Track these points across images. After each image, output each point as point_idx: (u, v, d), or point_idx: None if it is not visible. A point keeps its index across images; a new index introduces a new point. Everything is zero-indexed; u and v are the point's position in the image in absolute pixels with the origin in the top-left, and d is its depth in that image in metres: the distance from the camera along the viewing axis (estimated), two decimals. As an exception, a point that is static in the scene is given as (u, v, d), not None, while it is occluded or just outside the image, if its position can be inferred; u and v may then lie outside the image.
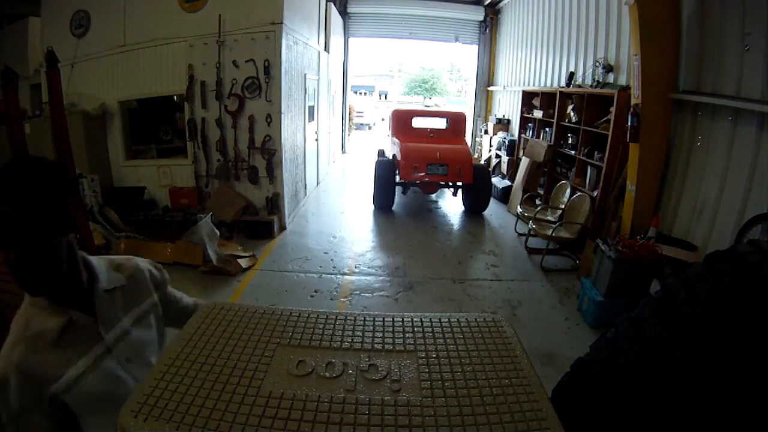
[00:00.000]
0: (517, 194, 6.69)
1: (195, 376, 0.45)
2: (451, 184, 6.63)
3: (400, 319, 0.56)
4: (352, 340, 0.51)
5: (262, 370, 0.46)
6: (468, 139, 8.77)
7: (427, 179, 6.24)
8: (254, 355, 0.48)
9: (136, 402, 0.42)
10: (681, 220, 3.82)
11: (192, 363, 0.47)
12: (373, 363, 0.47)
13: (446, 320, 0.56)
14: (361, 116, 19.35)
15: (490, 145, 9.17)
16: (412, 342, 0.52)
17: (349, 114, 12.83)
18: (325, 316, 0.56)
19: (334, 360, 0.47)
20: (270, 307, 0.59)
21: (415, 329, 0.54)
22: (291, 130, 5.66)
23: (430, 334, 0.53)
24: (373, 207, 6.68)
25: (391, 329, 0.54)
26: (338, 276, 4.37)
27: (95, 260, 1.00)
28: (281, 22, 4.95)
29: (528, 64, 8.19)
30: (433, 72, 32.89)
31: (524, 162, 6.69)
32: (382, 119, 18.22)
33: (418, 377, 0.46)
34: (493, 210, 6.79)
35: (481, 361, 0.49)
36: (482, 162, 8.90)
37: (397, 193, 6.75)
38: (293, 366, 0.46)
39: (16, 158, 0.86)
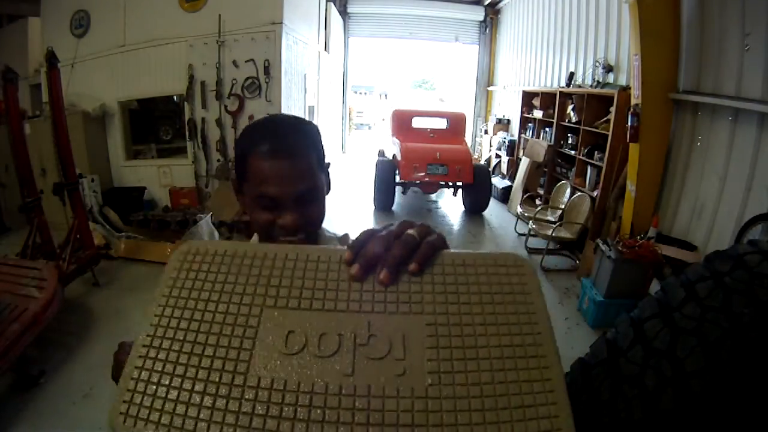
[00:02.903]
0: (517, 194, 6.68)
1: (174, 368, 0.38)
2: (451, 184, 6.62)
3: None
4: (349, 297, 0.41)
5: (248, 347, 0.38)
6: (468, 139, 8.76)
7: (427, 179, 6.23)
8: (237, 325, 0.40)
9: (123, 401, 0.38)
10: (681, 220, 3.82)
11: (168, 351, 0.40)
12: (373, 333, 0.39)
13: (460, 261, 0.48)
14: (361, 116, 19.34)
15: (490, 145, 9.17)
16: (419, 300, 0.43)
17: (349, 114, 12.82)
18: (317, 258, 0.45)
19: (327, 331, 0.39)
20: (253, 246, 0.48)
21: (424, 283, 0.44)
22: (291, 130, 5.66)
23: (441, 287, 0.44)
24: (373, 207, 6.67)
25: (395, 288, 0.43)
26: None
27: (329, 236, 0.98)
28: (281, 22, 4.95)
29: (528, 64, 8.18)
30: (433, 72, 32.87)
31: (524, 162, 6.69)
32: (383, 119, 18.21)
33: (424, 353, 0.39)
34: (493, 210, 6.79)
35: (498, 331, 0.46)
36: (482, 162, 8.90)
37: (397, 193, 6.74)
38: (282, 341, 0.38)
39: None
